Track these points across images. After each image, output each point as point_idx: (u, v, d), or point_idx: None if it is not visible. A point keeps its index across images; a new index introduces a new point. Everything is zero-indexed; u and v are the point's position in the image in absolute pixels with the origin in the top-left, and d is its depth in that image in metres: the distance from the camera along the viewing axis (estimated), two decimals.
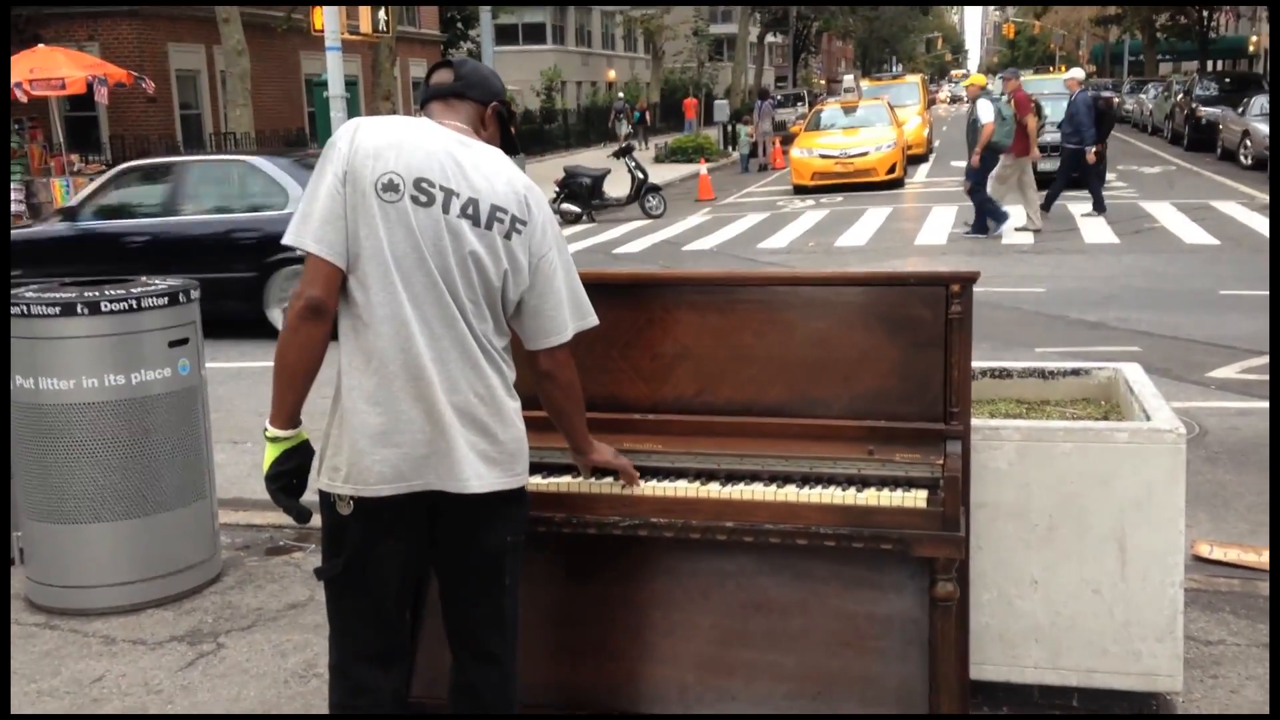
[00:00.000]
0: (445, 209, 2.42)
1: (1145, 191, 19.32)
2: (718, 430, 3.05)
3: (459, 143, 2.50)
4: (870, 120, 23.08)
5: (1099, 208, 15.71)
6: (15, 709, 3.56)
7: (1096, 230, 14.88)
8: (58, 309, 4.08)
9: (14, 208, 16.36)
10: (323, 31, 15.32)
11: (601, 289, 3.21)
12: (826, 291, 3.07)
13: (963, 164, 22.85)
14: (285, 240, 2.43)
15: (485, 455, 2.47)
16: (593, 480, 2.94)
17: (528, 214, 2.51)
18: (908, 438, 2.94)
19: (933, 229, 15.94)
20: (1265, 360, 7.75)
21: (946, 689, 2.86)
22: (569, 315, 2.59)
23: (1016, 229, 14.88)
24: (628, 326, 3.16)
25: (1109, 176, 20.74)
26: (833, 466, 2.93)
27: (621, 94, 38.87)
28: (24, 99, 16.03)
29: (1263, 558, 4.61)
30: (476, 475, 2.45)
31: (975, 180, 14.50)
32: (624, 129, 33.06)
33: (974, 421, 3.33)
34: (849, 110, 23.89)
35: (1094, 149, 15.26)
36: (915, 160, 26.71)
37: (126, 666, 3.84)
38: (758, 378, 3.09)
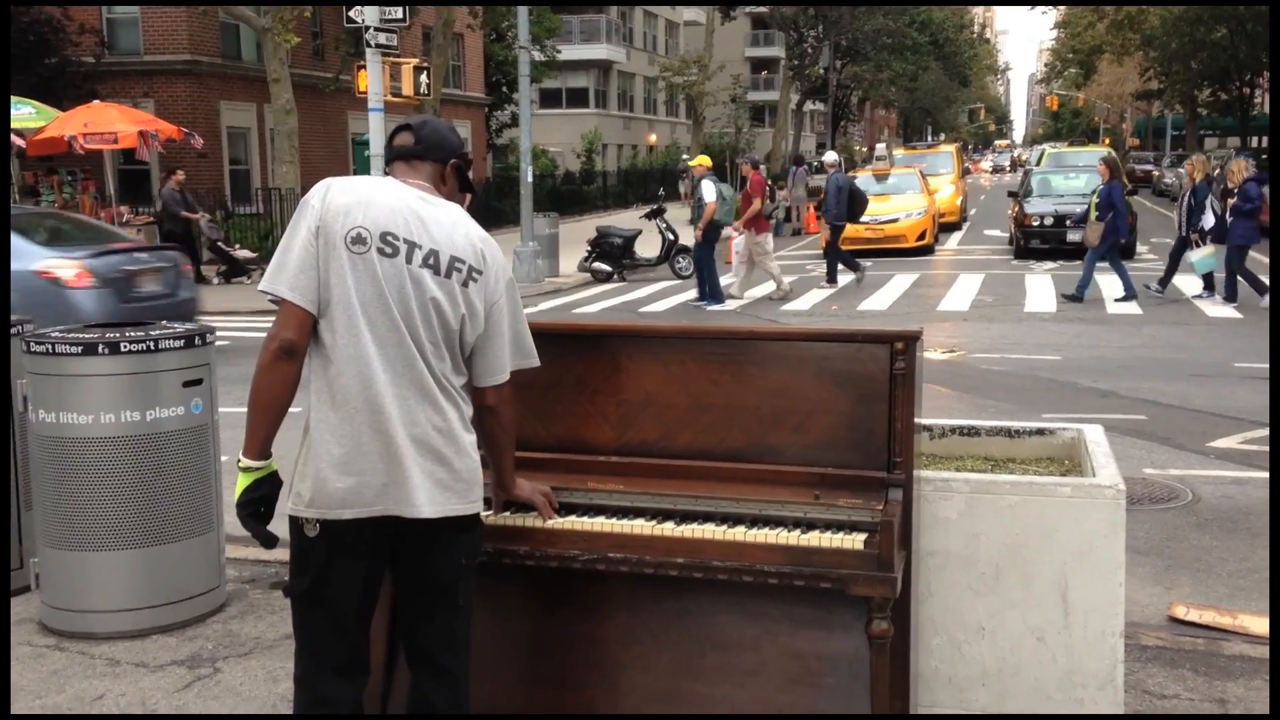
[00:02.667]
0: (409, 259, 2.67)
1: None
2: (677, 473, 3.25)
3: (420, 199, 2.76)
4: (902, 188, 23.36)
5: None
6: None
7: (1121, 302, 14.96)
8: (80, 348, 4.36)
9: None
10: (366, 93, 15.85)
11: (572, 339, 3.45)
12: (781, 346, 3.28)
13: (995, 232, 23.08)
14: (261, 287, 2.69)
15: (441, 483, 2.70)
16: (556, 517, 3.14)
17: (483, 264, 2.76)
18: (853, 484, 3.13)
19: (957, 296, 16.10)
20: (1267, 432, 7.84)
21: None
22: (509, 356, 2.84)
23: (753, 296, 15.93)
24: (596, 374, 3.38)
25: (1140, 249, 20.89)
26: (780, 509, 3.11)
27: (686, 155, 39.53)
28: (79, 152, 16.64)
29: (1238, 620, 4.71)
30: (430, 501, 2.68)
31: (699, 254, 15.35)
32: (686, 188, 33.67)
33: (926, 473, 3.52)
34: (881, 178, 24.18)
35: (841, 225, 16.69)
36: (948, 228, 26.93)
37: (127, 686, 4.06)
38: (715, 425, 3.29)
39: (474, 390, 2.85)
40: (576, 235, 22.22)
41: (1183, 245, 15.23)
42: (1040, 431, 4.20)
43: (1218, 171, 17.92)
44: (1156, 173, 43.49)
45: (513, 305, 2.86)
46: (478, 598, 3.44)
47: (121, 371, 4.38)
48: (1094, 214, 15.27)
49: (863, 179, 24.78)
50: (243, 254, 19.19)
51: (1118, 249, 15.25)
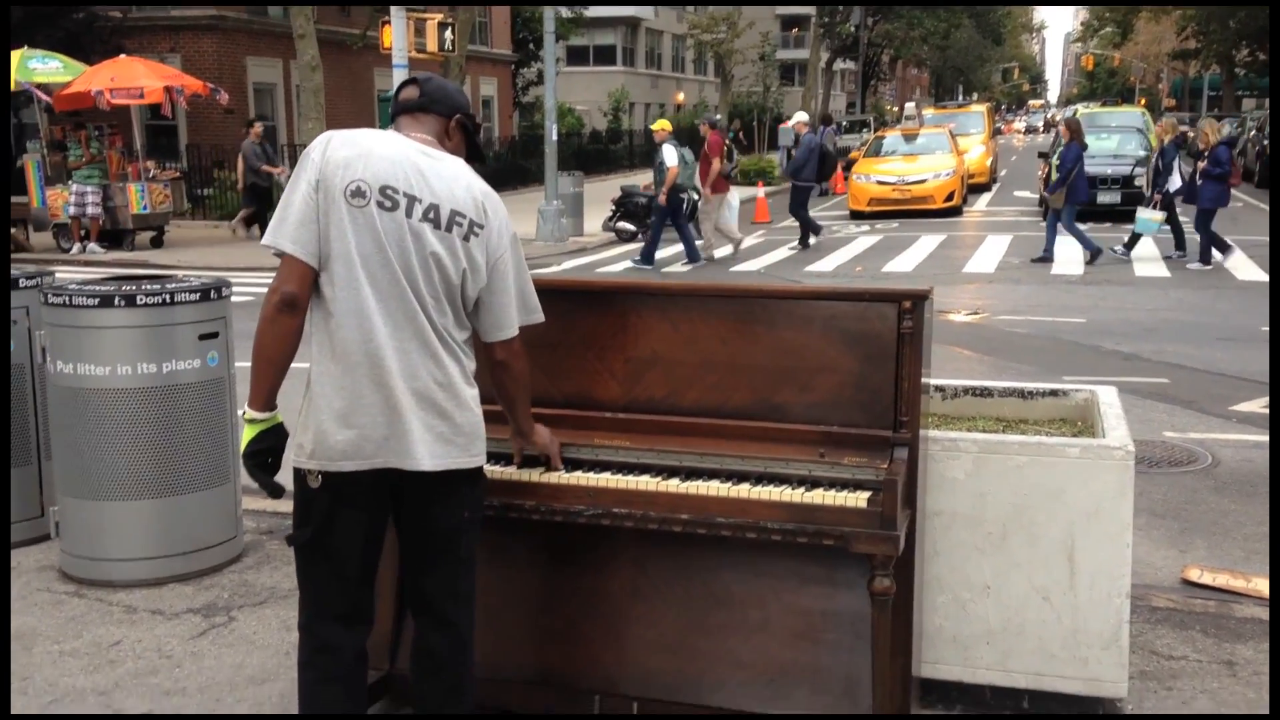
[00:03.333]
0: (408, 213, 2.67)
1: None
2: (682, 430, 3.25)
3: (421, 153, 2.76)
4: (931, 148, 23.13)
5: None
6: (38, 667, 3.86)
7: (1149, 264, 14.82)
8: (96, 300, 4.40)
9: (91, 210, 17.02)
10: (391, 49, 15.80)
11: (581, 296, 3.45)
12: (789, 304, 3.27)
13: (1025, 193, 22.89)
14: (264, 241, 2.70)
15: (442, 436, 2.71)
16: (561, 471, 3.16)
17: (485, 218, 2.76)
18: (858, 443, 3.12)
19: (984, 257, 15.97)
20: None
21: (881, 680, 3.03)
22: (516, 311, 2.84)
23: (718, 255, 15.99)
24: (604, 331, 3.38)
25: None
26: (785, 467, 3.11)
27: (719, 114, 39.28)
28: (105, 107, 16.69)
29: (1251, 584, 4.69)
30: (431, 454, 2.69)
31: (660, 217, 15.43)
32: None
33: (934, 433, 3.52)
34: (910, 138, 23.95)
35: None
36: (977, 189, 26.69)
37: (143, 633, 4.13)
38: (722, 383, 3.29)
39: (484, 346, 2.86)
40: (602, 194, 22.14)
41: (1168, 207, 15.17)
42: (1053, 393, 4.17)
43: (1192, 134, 17.75)
44: (1191, 133, 42.81)
45: (517, 261, 2.86)
46: (485, 551, 3.47)
47: (138, 324, 4.42)
48: (1054, 176, 15.35)
49: (891, 138, 24.62)
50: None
51: (1074, 210, 15.32)
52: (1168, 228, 15.32)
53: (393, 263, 2.66)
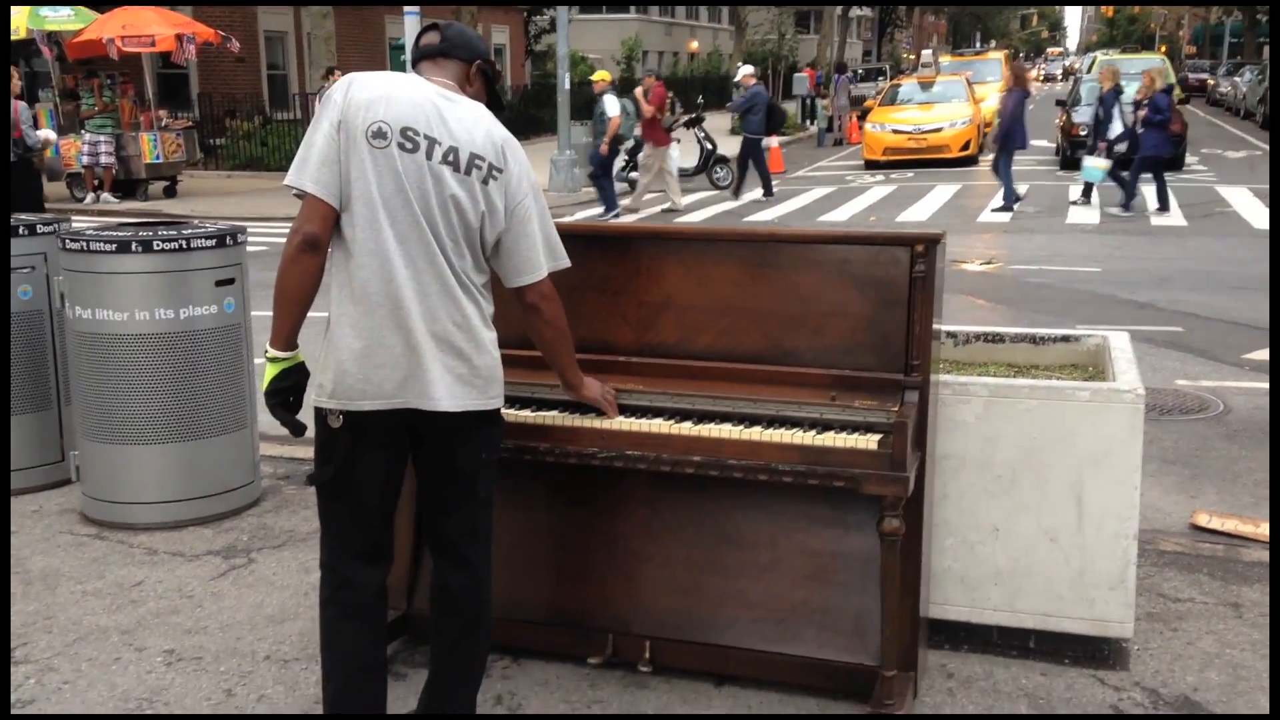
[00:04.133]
0: (429, 155, 2.69)
1: (1224, 175, 18.98)
2: (695, 374, 3.28)
3: (442, 96, 2.77)
4: (947, 96, 22.95)
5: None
6: (61, 606, 3.94)
7: (1167, 213, 14.72)
8: (114, 246, 4.44)
9: (105, 160, 17.04)
10: None
11: (595, 241, 3.47)
12: (801, 249, 3.28)
13: (1043, 142, 22.73)
14: (286, 181, 2.72)
15: (461, 378, 2.74)
16: (575, 415, 3.19)
17: (504, 163, 2.77)
18: (869, 387, 3.15)
19: (999, 207, 15.87)
20: None
21: (891, 618, 3.08)
22: (543, 255, 2.86)
23: (664, 209, 15.92)
24: (619, 276, 3.40)
25: (1190, 159, 20.44)
26: (797, 410, 3.14)
27: (741, 63, 38.73)
28: (116, 55, 16.65)
29: (1260, 529, 4.72)
30: (450, 395, 2.73)
31: (598, 165, 15.48)
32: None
33: (945, 377, 3.54)
34: (926, 86, 23.75)
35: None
36: None
37: (164, 574, 4.21)
38: (734, 327, 3.31)
39: (514, 292, 2.87)
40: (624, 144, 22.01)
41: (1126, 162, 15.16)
42: (1065, 338, 4.19)
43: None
44: (1212, 81, 42.33)
45: (540, 207, 2.87)
46: (503, 493, 3.52)
47: (155, 270, 4.46)
48: (995, 121, 15.58)
49: (907, 87, 24.40)
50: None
51: (1010, 156, 15.44)
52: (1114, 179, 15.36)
53: (413, 204, 2.68)
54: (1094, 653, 3.52)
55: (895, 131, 21.83)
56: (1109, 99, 14.96)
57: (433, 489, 2.90)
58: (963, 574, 3.57)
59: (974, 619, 3.59)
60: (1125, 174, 14.90)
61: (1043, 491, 3.46)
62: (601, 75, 15.96)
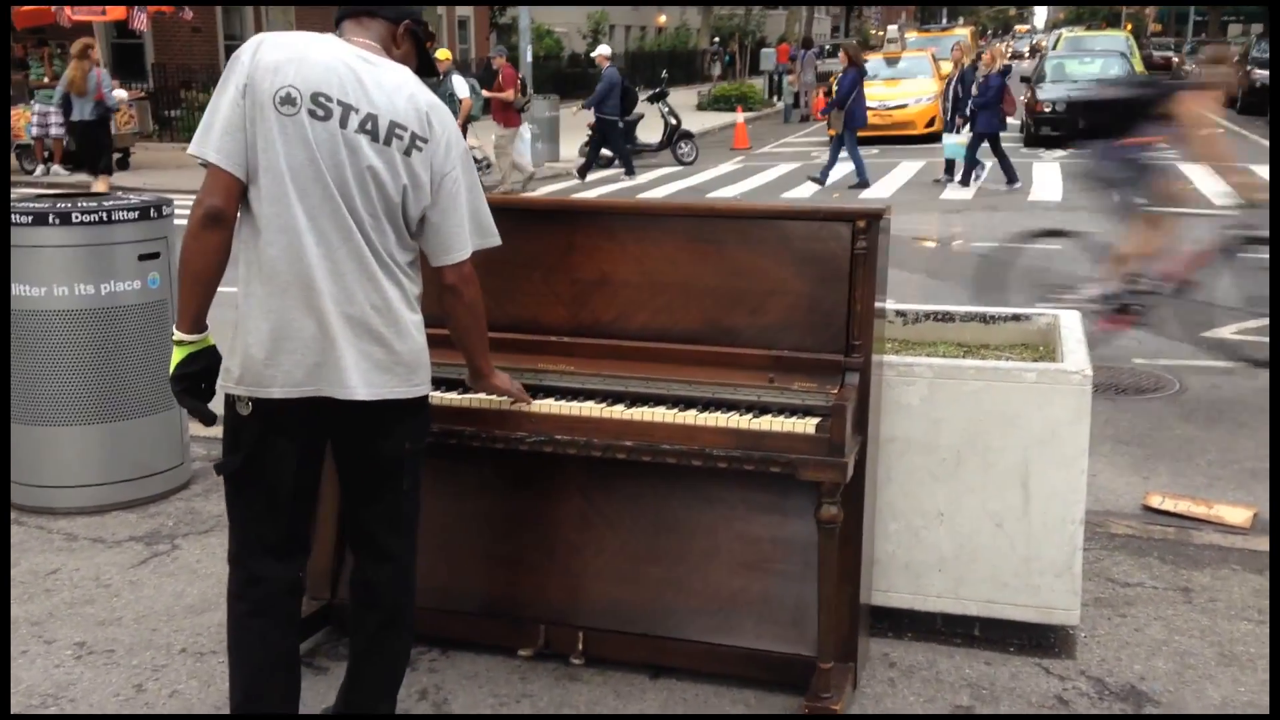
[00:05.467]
0: (343, 124, 2.52)
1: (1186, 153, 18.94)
2: (630, 355, 3.14)
3: (361, 59, 2.58)
4: (913, 72, 22.83)
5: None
6: None
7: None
8: (30, 218, 4.24)
9: (55, 131, 16.64)
10: None
11: (527, 215, 3.33)
12: (740, 224, 3.15)
13: (1009, 120, 22.74)
14: (190, 151, 2.54)
15: (379, 364, 2.58)
16: (503, 399, 3.05)
17: (429, 132, 2.59)
18: (809, 368, 3.02)
19: (962, 185, 15.80)
20: (1263, 323, 7.70)
21: (828, 608, 2.96)
22: (470, 233, 2.69)
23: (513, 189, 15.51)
24: (552, 252, 3.25)
25: None
26: (734, 393, 3.01)
27: (717, 38, 38.43)
28: (66, 23, 16.26)
29: (1213, 510, 4.65)
30: (366, 383, 2.56)
31: None
32: (716, 70, 32.75)
33: (889, 358, 3.42)
34: (891, 62, 23.62)
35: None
36: None
37: (82, 562, 4.04)
38: (671, 305, 3.18)
39: (434, 271, 2.70)
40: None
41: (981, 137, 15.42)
42: (1015, 317, 4.09)
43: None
44: (1176, 59, 42.44)
45: (470, 180, 2.69)
46: (436, 478, 3.37)
47: (74, 243, 4.26)
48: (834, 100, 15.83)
49: (873, 63, 24.23)
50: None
51: (854, 135, 15.72)
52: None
53: (325, 177, 2.51)
54: (1039, 641, 3.43)
55: None
56: (968, 75, 15.26)
57: (352, 480, 2.75)
58: (907, 560, 3.47)
59: (918, 606, 3.49)
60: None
61: (988, 475, 3.36)
62: (444, 54, 15.44)
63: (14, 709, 3.12)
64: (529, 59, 18.42)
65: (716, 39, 38.59)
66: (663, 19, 48.56)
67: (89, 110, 13.69)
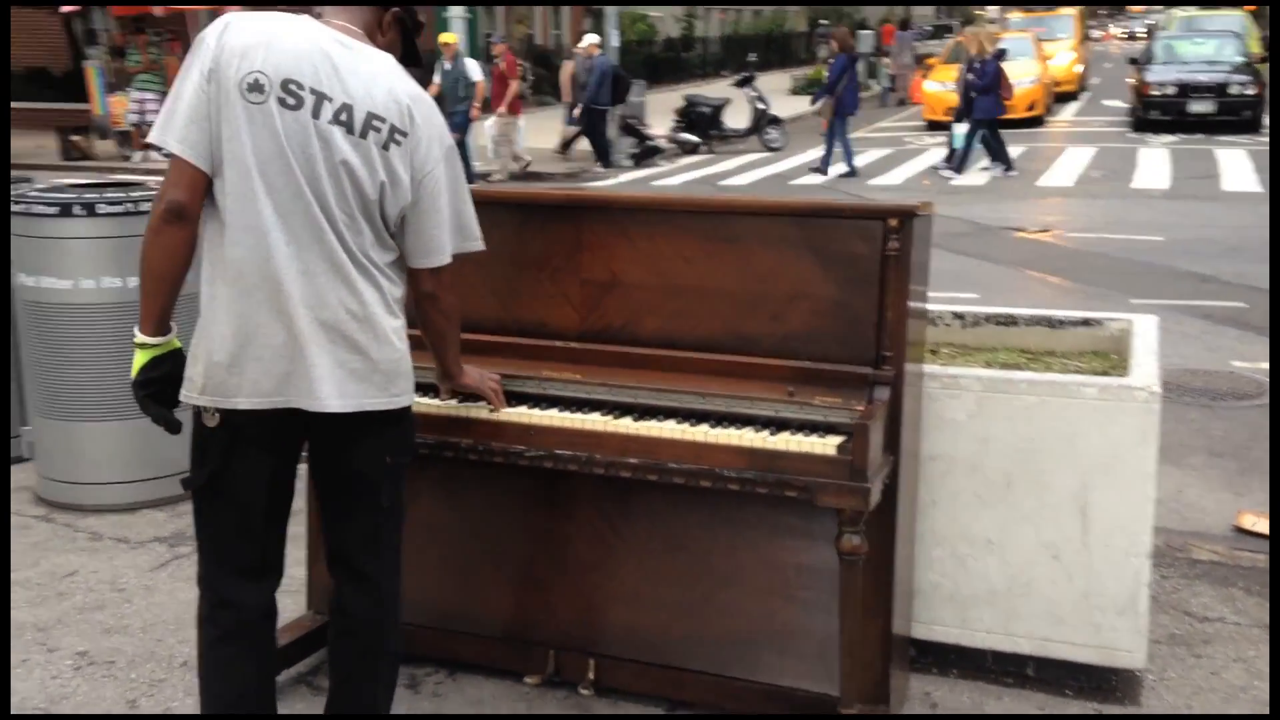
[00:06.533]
0: (315, 114, 2.31)
1: None
2: (641, 363, 2.89)
3: (338, 43, 2.37)
4: (1014, 54, 21.93)
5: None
6: None
7: (1240, 177, 13.96)
8: (57, 209, 4.15)
9: (150, 117, 16.91)
10: None
11: (535, 210, 3.10)
12: (761, 221, 2.87)
13: (1116, 103, 21.92)
14: (150, 139, 2.36)
15: (355, 373, 2.37)
16: (504, 409, 2.83)
17: (409, 125, 2.37)
18: (833, 381, 2.74)
19: (1062, 170, 15.19)
20: None
21: (851, 648, 2.68)
22: (449, 235, 2.48)
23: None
24: (560, 250, 3.01)
25: (1266, 121, 19.44)
26: (750, 407, 2.75)
27: (825, 20, 37.77)
28: (160, 12, 16.51)
29: None
30: (340, 393, 2.36)
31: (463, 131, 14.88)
32: (824, 53, 32.23)
33: (932, 369, 3.13)
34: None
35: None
36: (1064, 98, 25.46)
37: (101, 563, 3.93)
38: (687, 309, 2.92)
39: (410, 273, 2.50)
40: (669, 104, 21.51)
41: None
42: (1085, 322, 3.73)
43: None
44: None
45: (452, 177, 2.47)
46: (441, 489, 3.20)
47: (99, 234, 4.17)
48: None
49: None
50: (657, 132, 17.60)
51: (843, 121, 15.22)
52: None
53: (295, 171, 2.30)
54: (1100, 684, 3.11)
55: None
56: (976, 63, 14.66)
57: (328, 496, 2.56)
58: (953, 591, 3.16)
59: (965, 641, 3.19)
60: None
61: (1043, 500, 3.04)
62: (450, 38, 15.15)
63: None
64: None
65: (825, 20, 37.85)
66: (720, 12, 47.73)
67: None
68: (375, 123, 2.35)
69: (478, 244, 2.55)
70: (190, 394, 2.40)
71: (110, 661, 3.30)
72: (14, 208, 4.24)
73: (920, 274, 2.88)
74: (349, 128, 2.33)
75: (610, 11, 18.36)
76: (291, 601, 3.49)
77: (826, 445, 2.58)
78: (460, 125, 14.56)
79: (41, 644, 3.39)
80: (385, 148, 2.35)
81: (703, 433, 2.68)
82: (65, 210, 4.14)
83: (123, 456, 4.36)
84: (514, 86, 15.32)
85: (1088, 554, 3.01)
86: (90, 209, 4.14)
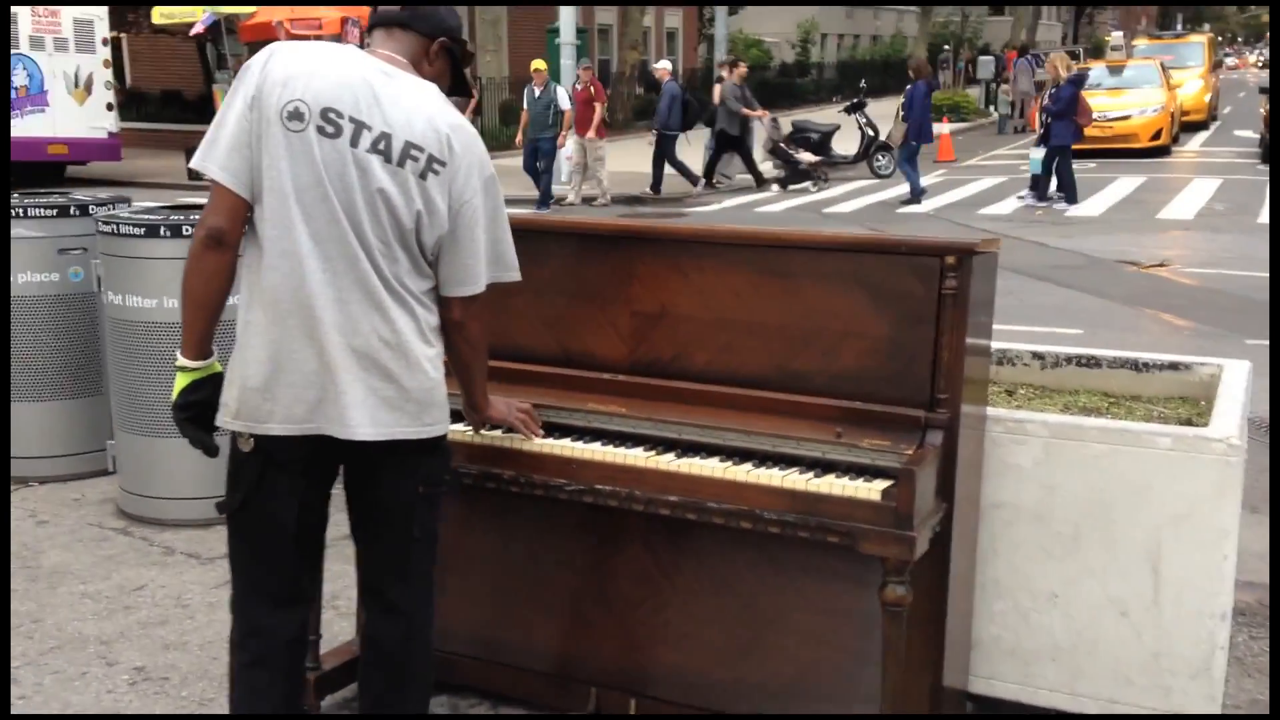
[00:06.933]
0: (354, 142, 2.31)
1: None
2: (687, 398, 2.82)
3: (381, 73, 2.38)
4: (1138, 82, 21.43)
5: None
6: (53, 609, 3.78)
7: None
8: (143, 230, 4.27)
9: None
10: None
11: (585, 239, 3.07)
12: (812, 256, 2.78)
13: (1247, 133, 21.18)
14: (193, 164, 2.40)
15: (387, 401, 2.37)
16: (545, 440, 2.79)
17: (448, 155, 2.36)
18: (884, 422, 2.64)
19: (1184, 203, 14.64)
20: None
21: (894, 702, 2.56)
22: (485, 265, 2.45)
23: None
24: (610, 281, 2.97)
25: None
26: (796, 447, 2.66)
27: (947, 45, 37.43)
28: (284, 37, 17.03)
29: None
30: (373, 421, 2.35)
31: (547, 159, 14.98)
32: (945, 79, 31.94)
33: (997, 412, 2.99)
34: (1115, 70, 22.24)
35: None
36: (1192, 127, 24.67)
37: (171, 578, 4.01)
38: (735, 344, 2.84)
39: (440, 300, 2.48)
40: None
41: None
42: (1173, 365, 3.55)
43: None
44: None
45: (491, 208, 2.45)
46: (485, 516, 3.17)
47: (183, 255, 4.24)
48: (900, 114, 15.12)
49: (1096, 71, 22.90)
50: (806, 157, 17.30)
51: (914, 151, 14.92)
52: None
53: (332, 198, 2.31)
54: None
55: None
56: (1065, 90, 14.20)
57: (360, 524, 2.55)
58: (1014, 645, 3.02)
59: (1026, 698, 3.04)
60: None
61: (1112, 555, 2.88)
62: (540, 65, 15.19)
63: None
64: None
65: (947, 45, 37.33)
66: (878, 25, 47.38)
67: None
68: (413, 152, 2.34)
69: (514, 274, 2.53)
70: (225, 418, 2.42)
71: (165, 678, 3.35)
72: (103, 228, 4.38)
73: (982, 312, 2.77)
74: (387, 156, 2.33)
75: (720, 36, 18.33)
76: (349, 625, 3.52)
77: (871, 490, 2.48)
78: (548, 152, 14.72)
79: (102, 657, 3.46)
80: (423, 177, 2.35)
81: (744, 472, 2.60)
82: (151, 231, 4.26)
83: (200, 472, 4.41)
84: (599, 111, 15.45)
85: (1159, 612, 2.84)
86: (175, 230, 4.25)
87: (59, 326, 4.87)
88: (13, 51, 16.21)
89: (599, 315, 2.99)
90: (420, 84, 2.43)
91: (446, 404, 2.49)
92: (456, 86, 2.60)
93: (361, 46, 2.53)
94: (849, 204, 15.20)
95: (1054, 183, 14.51)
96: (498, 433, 2.84)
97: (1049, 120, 14.10)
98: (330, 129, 2.32)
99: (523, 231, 2.68)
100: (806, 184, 16.76)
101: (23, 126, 16.17)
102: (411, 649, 2.56)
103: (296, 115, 2.31)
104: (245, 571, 2.51)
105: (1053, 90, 14.12)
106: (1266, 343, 7.17)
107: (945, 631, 2.74)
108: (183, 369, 2.46)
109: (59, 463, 4.94)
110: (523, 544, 3.17)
